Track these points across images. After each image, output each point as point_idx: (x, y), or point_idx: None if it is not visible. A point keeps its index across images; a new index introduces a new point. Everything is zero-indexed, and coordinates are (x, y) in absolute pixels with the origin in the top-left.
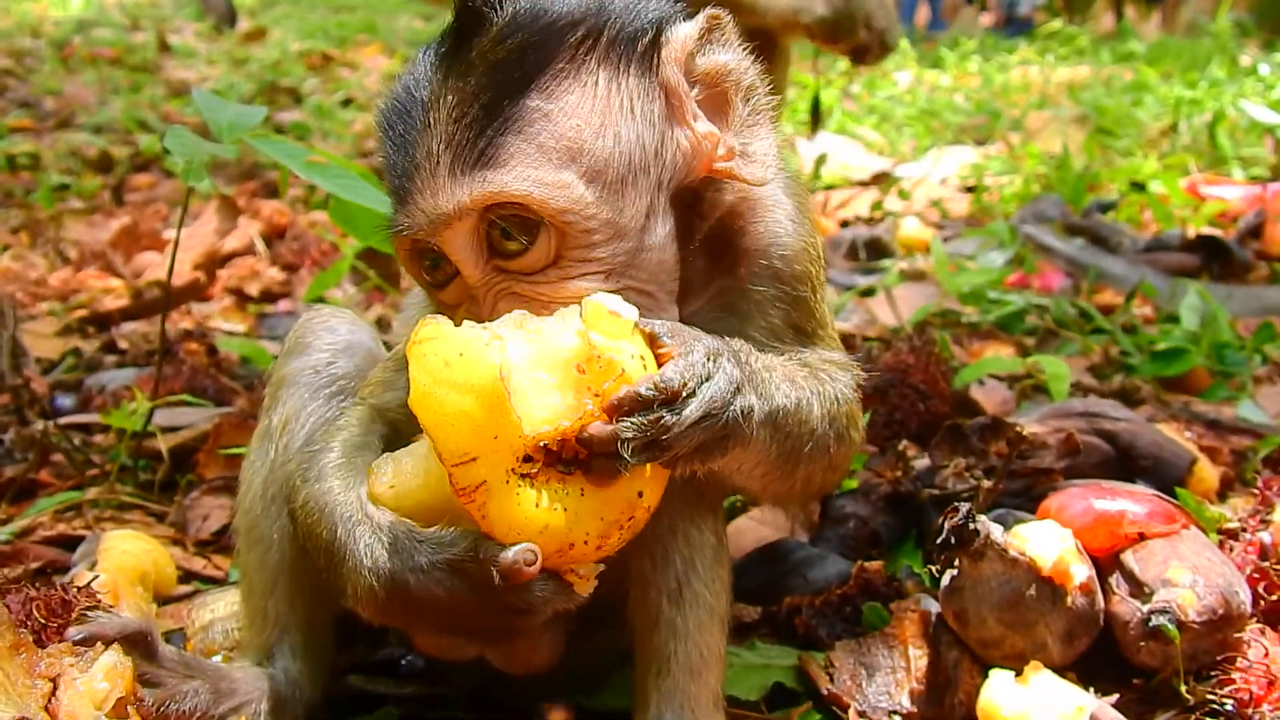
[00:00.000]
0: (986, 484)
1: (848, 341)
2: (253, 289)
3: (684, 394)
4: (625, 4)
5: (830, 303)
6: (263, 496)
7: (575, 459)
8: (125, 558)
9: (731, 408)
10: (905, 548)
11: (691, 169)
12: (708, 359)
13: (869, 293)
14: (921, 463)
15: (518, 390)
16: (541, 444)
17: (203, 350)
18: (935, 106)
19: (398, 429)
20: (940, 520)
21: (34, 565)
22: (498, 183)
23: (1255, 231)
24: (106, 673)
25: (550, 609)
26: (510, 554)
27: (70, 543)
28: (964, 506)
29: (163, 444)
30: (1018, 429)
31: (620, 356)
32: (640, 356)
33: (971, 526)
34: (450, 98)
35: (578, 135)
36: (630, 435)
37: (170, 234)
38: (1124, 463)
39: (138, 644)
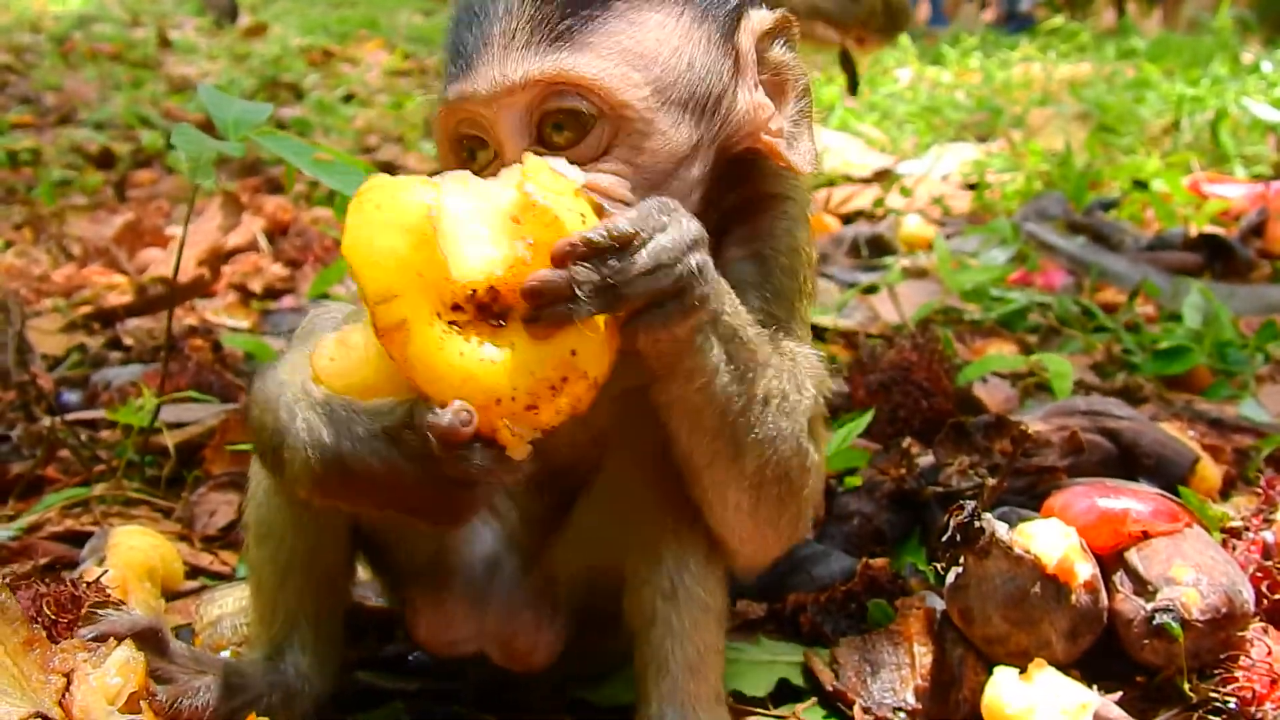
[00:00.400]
0: (990, 482)
1: (850, 339)
2: (256, 285)
3: (636, 242)
4: None
5: (832, 300)
6: (272, 491)
7: (507, 313)
8: (133, 553)
9: (685, 262)
10: (909, 545)
11: (741, 131)
12: (661, 211)
13: (871, 290)
14: (925, 460)
15: (451, 237)
16: (471, 293)
17: (207, 347)
18: (937, 103)
19: None
20: (945, 518)
21: (42, 561)
22: (570, 62)
23: (1257, 230)
24: (119, 668)
25: (491, 479)
26: (445, 416)
27: (78, 538)
28: (969, 504)
29: (169, 440)
30: (1021, 427)
31: (557, 207)
32: (581, 215)
33: (976, 524)
34: None
35: (656, 47)
36: (583, 278)
37: (172, 230)
38: (1127, 461)
39: (149, 640)
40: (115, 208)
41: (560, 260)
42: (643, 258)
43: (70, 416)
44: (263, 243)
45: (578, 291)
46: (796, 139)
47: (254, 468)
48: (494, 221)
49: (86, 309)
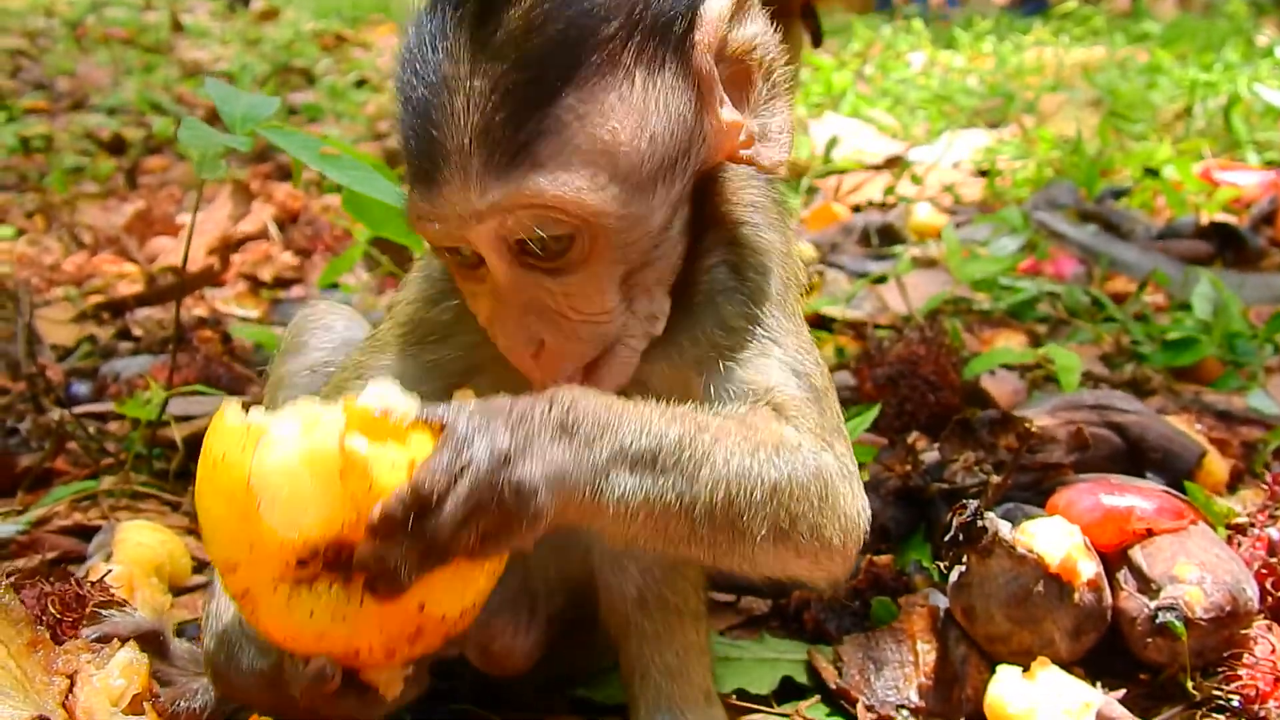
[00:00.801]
0: (995, 479)
1: (859, 330)
2: (266, 274)
3: (436, 496)
4: None
5: (840, 290)
6: None
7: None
8: (141, 549)
9: (498, 490)
10: (914, 541)
11: (712, 156)
12: (473, 437)
13: (881, 280)
14: (931, 456)
15: (277, 498)
16: (314, 549)
17: (216, 338)
18: (949, 89)
19: None
20: (949, 517)
21: (50, 555)
22: (533, 185)
23: (1268, 218)
24: (123, 669)
25: (371, 714)
26: (306, 676)
27: (86, 533)
28: (972, 503)
29: (177, 433)
30: (1027, 423)
31: (378, 465)
32: (410, 461)
33: (980, 523)
34: (482, 84)
35: (614, 138)
36: (394, 556)
37: (183, 218)
38: (1134, 455)
39: (151, 643)
40: (126, 195)
41: (372, 536)
42: (450, 510)
43: (79, 409)
44: (273, 231)
45: (394, 567)
46: (767, 126)
47: None
48: (327, 473)
49: (97, 298)
